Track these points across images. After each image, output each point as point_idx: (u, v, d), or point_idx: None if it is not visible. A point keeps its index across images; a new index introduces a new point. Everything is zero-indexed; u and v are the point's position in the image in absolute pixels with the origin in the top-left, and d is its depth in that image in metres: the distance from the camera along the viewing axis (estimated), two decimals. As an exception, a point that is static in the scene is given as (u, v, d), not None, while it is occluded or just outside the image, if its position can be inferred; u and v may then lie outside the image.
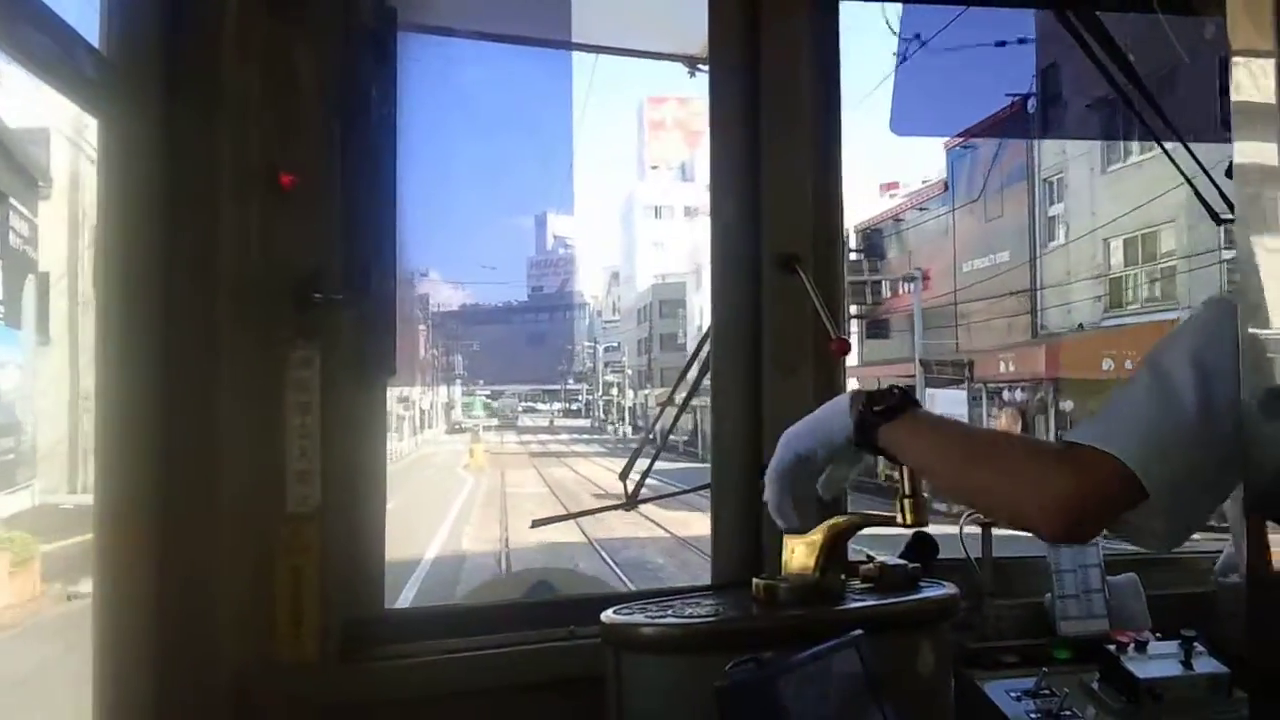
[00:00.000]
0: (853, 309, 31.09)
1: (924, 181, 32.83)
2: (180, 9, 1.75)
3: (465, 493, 30.58)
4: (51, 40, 1.45)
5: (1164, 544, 1.44)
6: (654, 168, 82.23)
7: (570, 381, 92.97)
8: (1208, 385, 1.28)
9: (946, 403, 24.35)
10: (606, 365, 77.83)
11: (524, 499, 26.27)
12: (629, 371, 66.76)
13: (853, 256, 31.76)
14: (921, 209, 30.26)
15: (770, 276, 2.22)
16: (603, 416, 74.37)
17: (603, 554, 17.37)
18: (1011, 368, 24.32)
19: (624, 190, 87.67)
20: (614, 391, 73.58)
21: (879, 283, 31.78)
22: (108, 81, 1.63)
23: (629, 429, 59.77)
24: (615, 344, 78.72)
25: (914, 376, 25.73)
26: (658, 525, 19.41)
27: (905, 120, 3.53)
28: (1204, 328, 1.34)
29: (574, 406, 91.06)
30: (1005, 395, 24.73)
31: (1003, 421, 23.78)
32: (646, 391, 57.40)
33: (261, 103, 1.84)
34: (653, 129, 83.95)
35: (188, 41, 1.76)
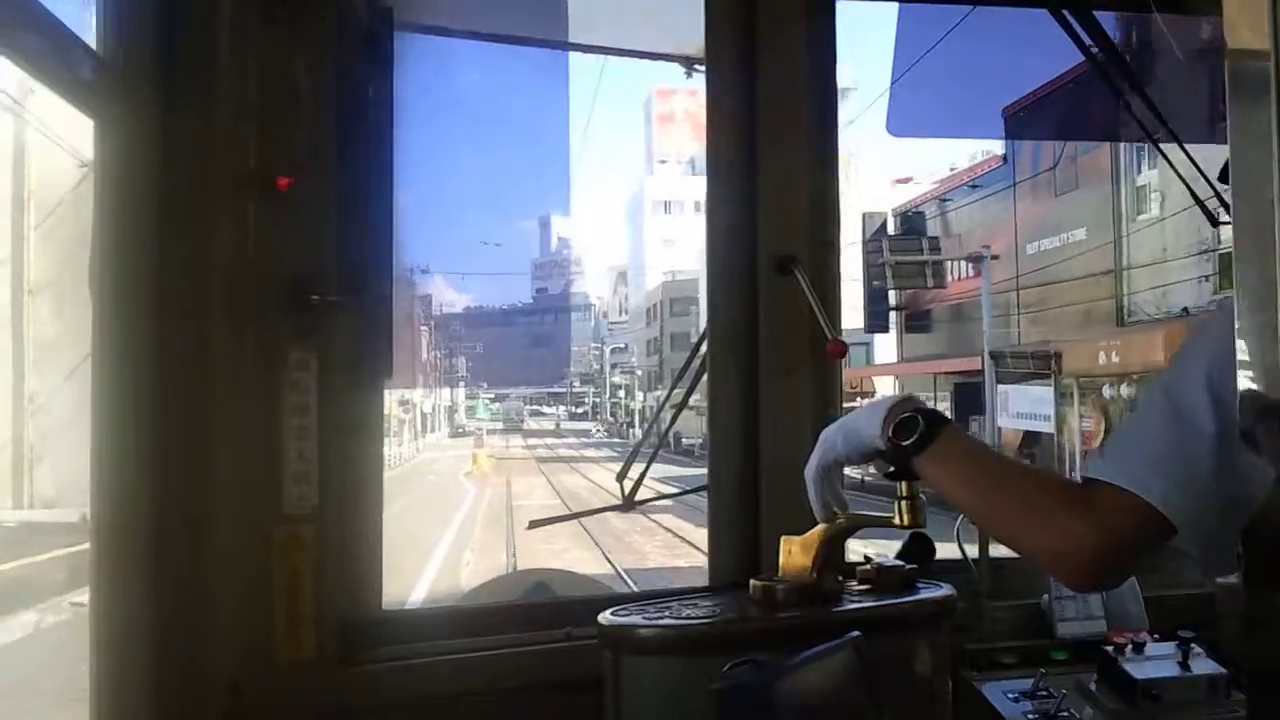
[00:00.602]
0: (892, 297, 29.12)
1: (953, 167, 30.14)
2: (177, 11, 1.75)
3: (466, 505, 26.83)
4: (49, 42, 1.45)
5: (1206, 573, 1.40)
6: (662, 162, 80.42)
7: (577, 383, 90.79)
8: (1223, 404, 1.23)
9: (1028, 401, 22.22)
10: (614, 367, 75.58)
11: (535, 513, 21.27)
12: (639, 373, 64.97)
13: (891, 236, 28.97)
14: (974, 185, 26.83)
15: (767, 278, 2.22)
16: (611, 419, 71.81)
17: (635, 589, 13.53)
18: (1115, 358, 19.93)
19: (632, 186, 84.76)
20: (621, 394, 71.24)
21: (940, 265, 27.33)
22: (105, 83, 1.63)
23: (638, 431, 55.87)
24: (623, 345, 76.98)
25: (978, 372, 23.44)
26: (695, 547, 17.18)
27: (902, 121, 3.53)
28: (1218, 339, 1.27)
29: (579, 410, 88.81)
30: (1107, 391, 20.50)
31: (1093, 422, 20.71)
32: (658, 393, 55.97)
33: (258, 104, 1.84)
34: (661, 122, 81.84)
35: (184, 44, 1.76)
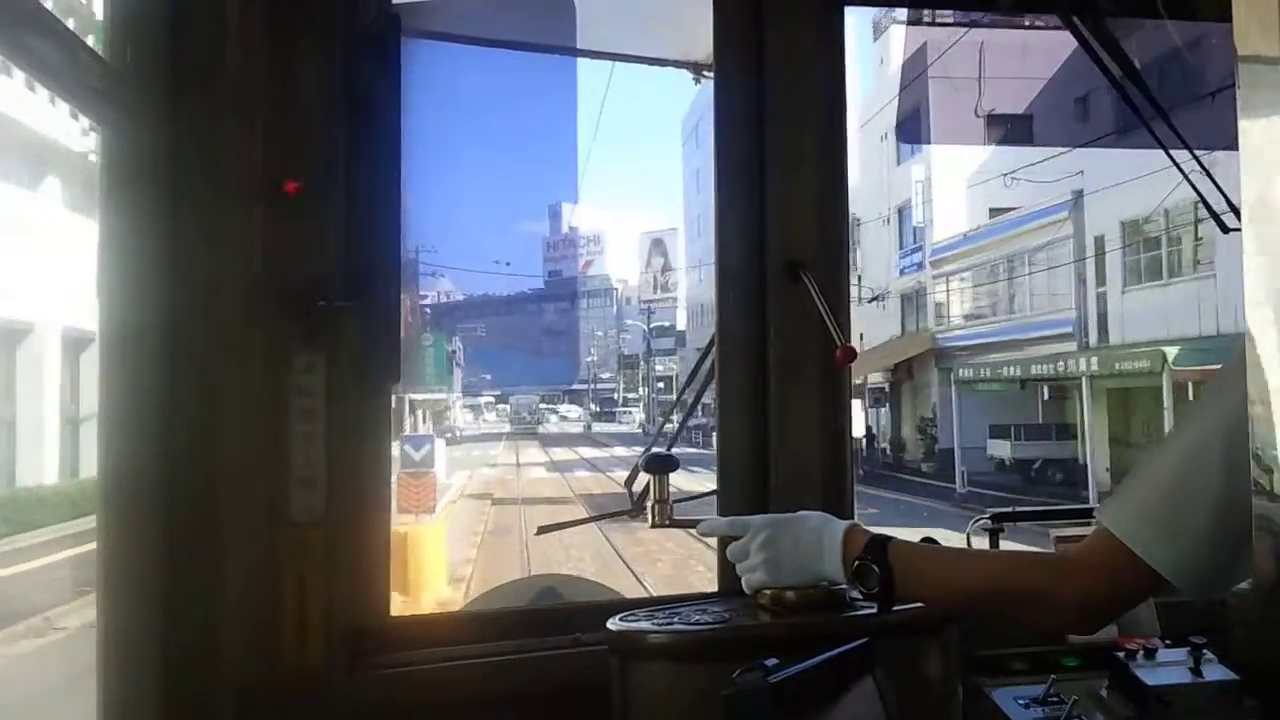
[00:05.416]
0: None
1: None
2: (184, 16, 1.75)
3: None
4: (56, 47, 1.45)
5: (1191, 596, 1.43)
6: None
7: (606, 374, 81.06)
8: (1237, 454, 1.19)
9: None
10: (653, 355, 63.42)
11: None
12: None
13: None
14: None
15: (776, 283, 2.22)
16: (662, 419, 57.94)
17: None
18: None
19: (689, 96, 69.25)
20: (661, 385, 59.52)
21: None
22: (112, 88, 1.63)
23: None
24: (667, 324, 67.45)
25: None
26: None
27: (910, 129, 3.53)
28: (1240, 385, 1.20)
29: (605, 409, 77.67)
30: None
31: None
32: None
33: (265, 109, 1.84)
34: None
35: (192, 49, 1.76)
